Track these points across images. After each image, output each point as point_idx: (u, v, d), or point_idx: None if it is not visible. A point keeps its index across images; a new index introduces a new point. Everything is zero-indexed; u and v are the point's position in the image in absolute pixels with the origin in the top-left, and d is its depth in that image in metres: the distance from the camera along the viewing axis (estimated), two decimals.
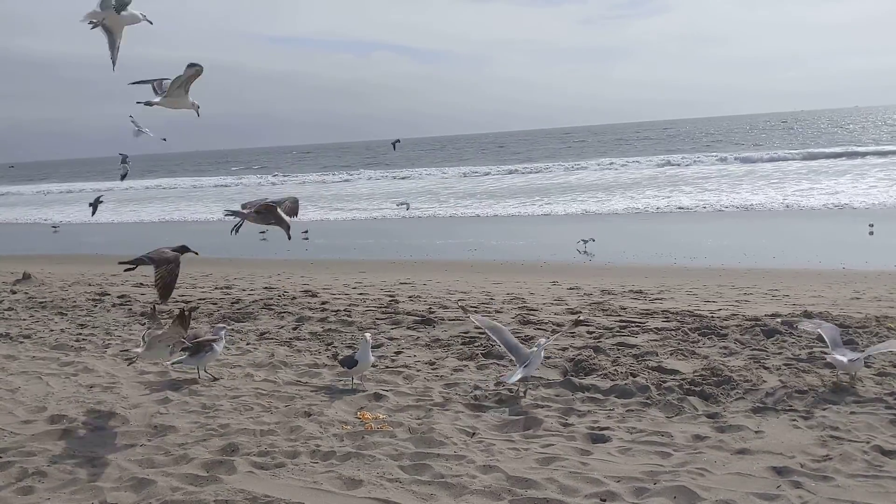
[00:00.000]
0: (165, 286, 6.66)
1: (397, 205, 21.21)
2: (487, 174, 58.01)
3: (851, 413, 6.66)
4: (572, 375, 8.04)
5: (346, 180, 63.34)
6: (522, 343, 8.05)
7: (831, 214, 26.53)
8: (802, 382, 7.42)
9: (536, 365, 7.45)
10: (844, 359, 7.17)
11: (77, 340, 10.66)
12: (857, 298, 12.08)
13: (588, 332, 10.02)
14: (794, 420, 6.55)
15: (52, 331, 11.41)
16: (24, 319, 12.44)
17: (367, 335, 8.22)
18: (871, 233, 20.98)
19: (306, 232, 27.60)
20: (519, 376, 7.23)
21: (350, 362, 7.94)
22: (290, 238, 7.36)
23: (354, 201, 42.59)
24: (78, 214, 42.99)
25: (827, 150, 54.25)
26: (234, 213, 7.38)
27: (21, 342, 10.70)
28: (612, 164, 57.19)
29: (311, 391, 7.93)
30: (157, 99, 6.99)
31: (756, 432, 6.27)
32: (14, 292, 15.45)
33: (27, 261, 21.24)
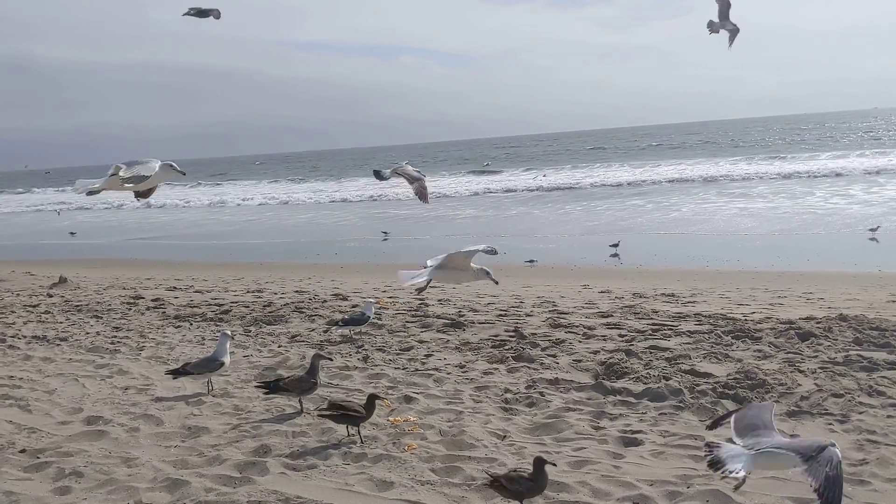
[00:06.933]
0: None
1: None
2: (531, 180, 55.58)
3: (888, 417, 6.56)
4: (604, 379, 8.00)
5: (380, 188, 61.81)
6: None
7: (868, 217, 25.98)
8: (838, 386, 7.31)
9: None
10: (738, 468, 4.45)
11: (112, 343, 10.84)
12: (894, 301, 11.86)
13: (620, 336, 9.96)
14: (830, 424, 6.46)
15: (87, 333, 11.61)
16: (61, 322, 12.66)
17: (228, 330, 8.25)
18: (874, 238, 20.42)
19: (386, 232, 28.00)
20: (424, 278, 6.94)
21: (212, 365, 8.07)
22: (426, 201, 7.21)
23: (396, 206, 42.32)
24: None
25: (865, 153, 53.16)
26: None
27: (58, 345, 10.90)
28: (654, 167, 55.51)
29: (343, 393, 7.97)
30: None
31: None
32: (51, 296, 15.74)
33: (63, 265, 21.57)
